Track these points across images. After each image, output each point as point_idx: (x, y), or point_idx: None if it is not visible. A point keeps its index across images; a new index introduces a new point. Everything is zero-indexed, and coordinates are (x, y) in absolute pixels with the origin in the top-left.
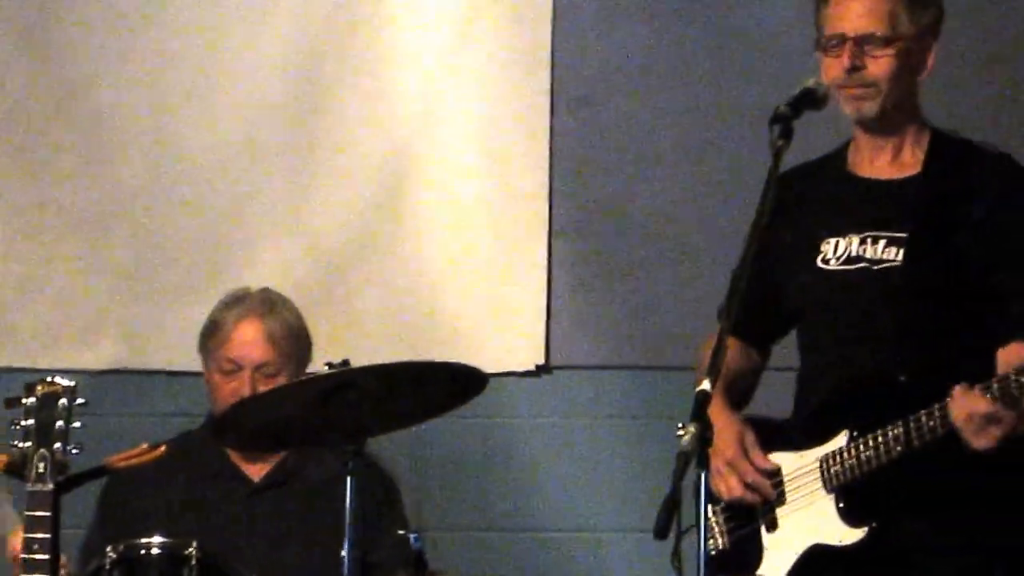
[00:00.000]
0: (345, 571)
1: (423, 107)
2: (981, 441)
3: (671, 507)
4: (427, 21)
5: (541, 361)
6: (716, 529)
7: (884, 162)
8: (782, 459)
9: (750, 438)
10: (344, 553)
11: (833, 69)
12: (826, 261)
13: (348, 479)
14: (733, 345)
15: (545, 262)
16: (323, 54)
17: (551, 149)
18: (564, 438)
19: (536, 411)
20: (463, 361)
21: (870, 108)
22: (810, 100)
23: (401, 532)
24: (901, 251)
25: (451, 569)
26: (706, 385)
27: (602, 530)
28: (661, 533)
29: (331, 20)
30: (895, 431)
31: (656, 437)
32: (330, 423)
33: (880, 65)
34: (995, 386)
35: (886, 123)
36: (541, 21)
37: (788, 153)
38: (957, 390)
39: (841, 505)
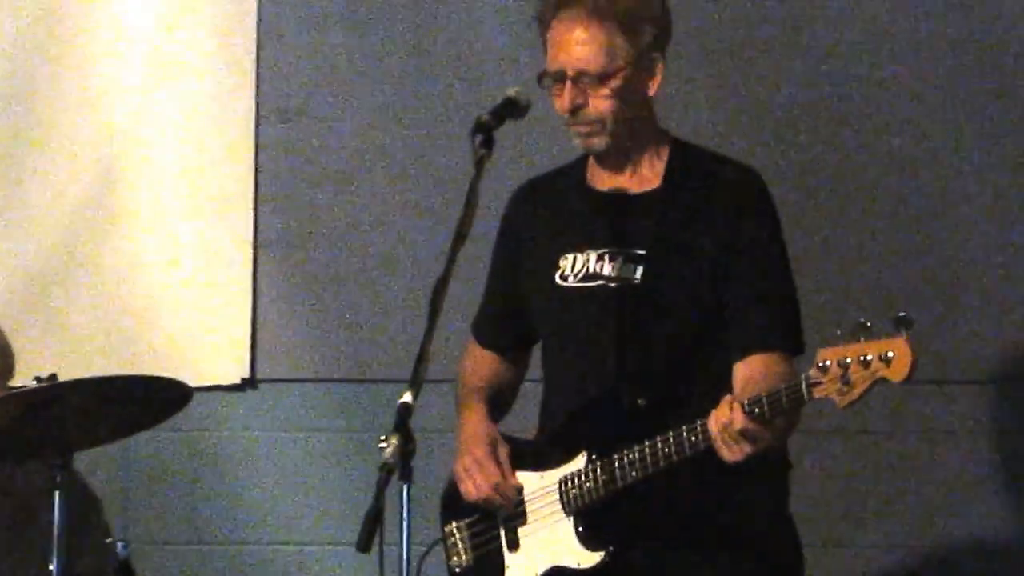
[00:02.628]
0: None
1: (130, 119)
2: (733, 454)
3: (374, 520)
4: (133, 32)
5: (247, 374)
6: (460, 545)
7: (623, 176)
8: (524, 479)
9: (504, 449)
10: (53, 567)
11: (557, 104)
12: (564, 278)
13: (56, 492)
14: (490, 359)
15: (250, 275)
16: (28, 64)
17: (256, 161)
18: (270, 451)
19: (242, 424)
20: (170, 374)
21: (599, 143)
22: (512, 110)
23: (108, 540)
24: (639, 268)
25: None
26: (407, 397)
27: (308, 543)
28: (364, 546)
29: (37, 29)
30: (631, 455)
31: (361, 450)
32: (37, 437)
33: (602, 102)
34: (764, 401)
35: (619, 149)
36: (246, 33)
37: (490, 162)
38: (723, 401)
39: (580, 528)
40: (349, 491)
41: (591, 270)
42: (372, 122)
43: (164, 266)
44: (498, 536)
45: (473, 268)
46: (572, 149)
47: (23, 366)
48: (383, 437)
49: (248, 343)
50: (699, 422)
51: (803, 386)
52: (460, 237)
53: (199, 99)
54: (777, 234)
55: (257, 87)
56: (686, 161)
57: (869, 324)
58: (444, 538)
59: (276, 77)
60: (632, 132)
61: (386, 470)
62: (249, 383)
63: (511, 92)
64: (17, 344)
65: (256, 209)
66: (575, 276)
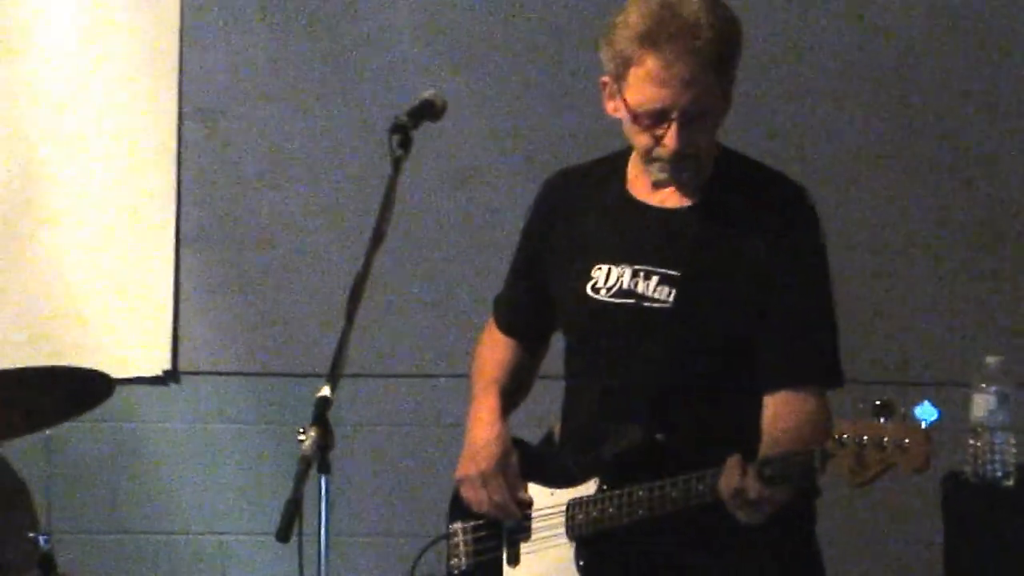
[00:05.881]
0: None
1: (53, 113)
2: (749, 517)
3: (293, 511)
4: (56, 28)
5: (168, 367)
6: (461, 548)
7: (666, 188)
8: (535, 492)
9: (514, 461)
10: None
11: (645, 140)
12: (596, 289)
13: None
14: (510, 344)
15: (173, 269)
16: None
17: (179, 157)
18: (192, 443)
19: (164, 416)
20: (92, 366)
21: (688, 179)
22: (428, 111)
23: (31, 534)
24: (672, 292)
25: (82, 571)
26: (326, 391)
27: (228, 533)
28: (283, 536)
29: None
30: (640, 492)
31: (280, 442)
32: None
33: (703, 140)
34: (776, 464)
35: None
36: (168, 32)
37: (407, 162)
38: (733, 464)
39: (580, 559)
40: (268, 483)
41: (625, 286)
42: (292, 121)
43: (87, 260)
44: (499, 547)
45: (391, 266)
46: (492, 151)
47: None
48: (301, 429)
49: (170, 336)
50: (710, 473)
51: (816, 457)
52: (378, 236)
53: (123, 97)
54: (819, 258)
55: (180, 86)
56: (730, 174)
57: (891, 404)
58: (448, 536)
59: (198, 76)
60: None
61: (304, 462)
62: (171, 376)
63: (428, 94)
64: None
65: (179, 205)
66: (608, 290)
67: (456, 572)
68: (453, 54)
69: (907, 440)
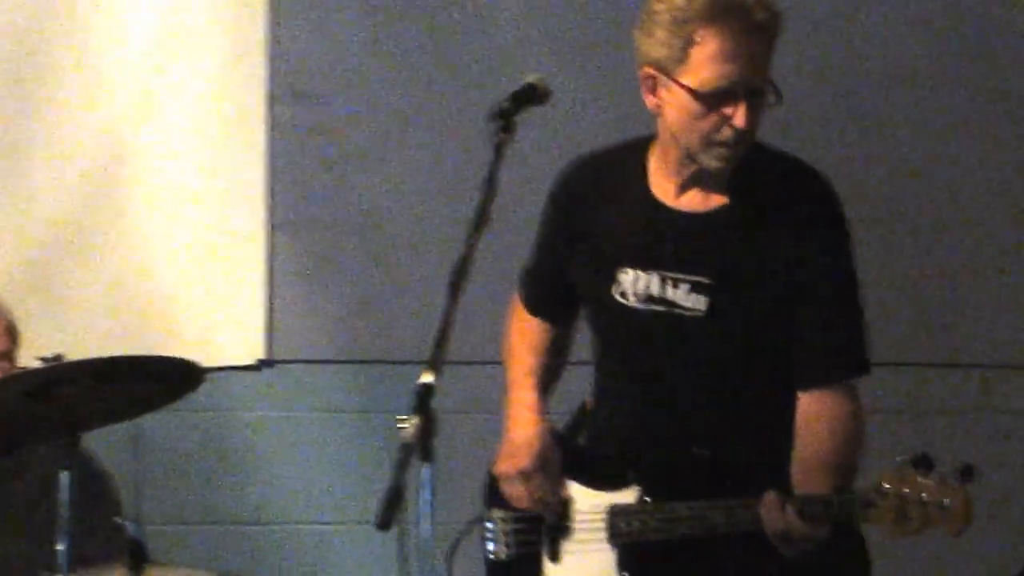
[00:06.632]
0: (61, 564)
1: (139, 97)
2: (794, 552)
3: (394, 499)
4: (141, 9)
5: (263, 355)
6: (501, 537)
7: (691, 190)
8: (575, 490)
9: (555, 458)
10: (60, 547)
11: (707, 125)
12: (624, 295)
13: (63, 473)
14: (539, 325)
15: (265, 256)
16: (35, 42)
17: (269, 142)
18: (286, 431)
19: (258, 405)
20: (184, 355)
21: (736, 161)
22: (532, 96)
23: (118, 520)
24: (705, 300)
25: (175, 562)
26: (429, 378)
27: (325, 522)
28: (384, 524)
29: (43, 8)
30: (684, 511)
31: (378, 430)
32: (44, 418)
33: (759, 118)
34: (820, 507)
35: None
36: (257, 13)
37: (510, 147)
38: (771, 503)
39: (623, 567)
40: (365, 471)
41: (654, 293)
42: (386, 103)
43: (178, 247)
44: (540, 541)
45: (492, 252)
46: (591, 136)
47: (35, 347)
48: (403, 417)
49: (264, 324)
50: (751, 504)
51: (856, 506)
52: (482, 221)
53: (211, 78)
54: (846, 250)
55: (269, 68)
56: (754, 168)
57: (929, 459)
58: (485, 519)
59: (289, 58)
60: None
61: (406, 449)
62: (266, 363)
63: (532, 78)
64: (28, 324)
65: (270, 190)
66: (636, 296)
67: (494, 558)
68: (558, 36)
69: (946, 501)
